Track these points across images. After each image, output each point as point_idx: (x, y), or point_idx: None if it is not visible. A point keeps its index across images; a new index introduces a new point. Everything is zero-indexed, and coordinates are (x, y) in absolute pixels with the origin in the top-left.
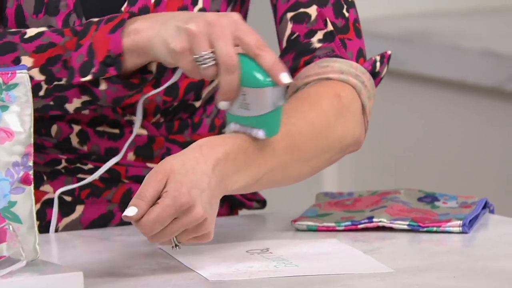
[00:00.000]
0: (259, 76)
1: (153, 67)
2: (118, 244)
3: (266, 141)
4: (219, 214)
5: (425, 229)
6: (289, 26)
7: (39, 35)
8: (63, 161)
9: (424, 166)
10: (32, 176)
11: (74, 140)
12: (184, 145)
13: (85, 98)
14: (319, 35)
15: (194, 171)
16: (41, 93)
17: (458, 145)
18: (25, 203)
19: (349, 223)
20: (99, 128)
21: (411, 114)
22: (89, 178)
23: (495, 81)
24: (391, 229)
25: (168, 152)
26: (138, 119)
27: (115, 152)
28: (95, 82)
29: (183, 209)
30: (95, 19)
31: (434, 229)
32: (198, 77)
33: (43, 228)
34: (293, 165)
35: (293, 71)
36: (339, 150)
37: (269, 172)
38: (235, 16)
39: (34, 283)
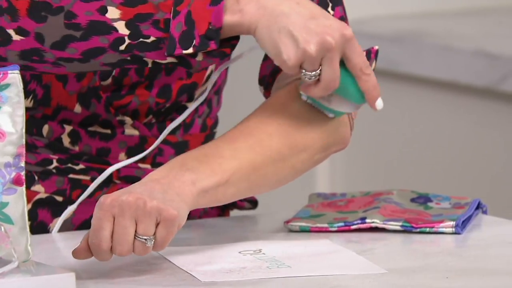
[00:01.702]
0: (355, 93)
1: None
2: None
3: (229, 175)
4: (211, 214)
5: (418, 229)
6: None
7: None
8: (54, 161)
9: (417, 166)
10: (24, 177)
11: (66, 140)
12: (176, 145)
13: (171, 60)
14: None
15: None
16: (122, 47)
17: (451, 145)
18: (17, 204)
19: (342, 224)
20: (91, 128)
21: (403, 114)
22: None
23: (487, 82)
24: (384, 230)
25: (160, 153)
26: (209, 87)
27: (106, 153)
28: (193, 54)
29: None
30: None
31: (427, 229)
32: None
33: (35, 228)
34: (267, 166)
35: (275, 73)
36: (321, 149)
37: (236, 172)
38: (349, 33)
39: (26, 285)
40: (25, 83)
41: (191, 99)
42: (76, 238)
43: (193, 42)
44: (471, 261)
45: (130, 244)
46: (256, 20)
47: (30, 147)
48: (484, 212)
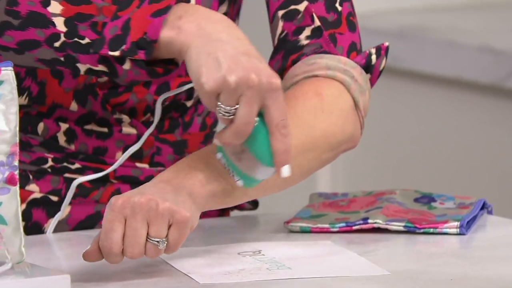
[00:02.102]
0: (265, 152)
1: (179, 61)
2: None
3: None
4: (210, 215)
5: (421, 230)
6: (280, 24)
7: None
8: (49, 160)
9: (420, 165)
10: (17, 176)
11: (61, 139)
12: (174, 144)
13: (101, 68)
14: (307, 31)
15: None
16: (57, 44)
17: (455, 144)
18: (11, 204)
19: (343, 224)
20: (87, 127)
21: (406, 112)
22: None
23: (493, 78)
24: (386, 231)
25: (158, 152)
26: (156, 117)
27: (103, 152)
28: (120, 59)
29: (138, 208)
30: None
31: (431, 230)
32: (210, 109)
33: (29, 229)
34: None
35: (281, 71)
36: (329, 148)
37: (239, 201)
38: (277, 82)
39: (20, 286)
40: (20, 80)
41: (190, 97)
42: (71, 239)
43: (122, 46)
44: (476, 262)
45: (141, 246)
46: (190, 41)
47: (24, 146)
48: (490, 212)
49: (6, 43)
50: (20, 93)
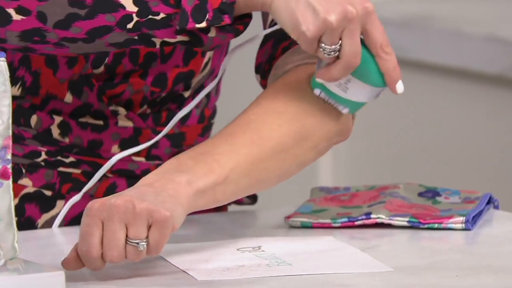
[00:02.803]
0: (374, 75)
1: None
2: None
3: (229, 171)
4: (207, 210)
5: (426, 225)
6: None
7: None
8: (43, 153)
9: (424, 159)
10: (10, 170)
11: (55, 132)
12: (172, 137)
13: (182, 38)
14: None
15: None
16: (130, 25)
17: (460, 136)
18: (3, 199)
19: (345, 219)
20: (82, 119)
21: (410, 104)
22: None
23: (500, 69)
24: (390, 226)
25: (155, 145)
26: (222, 69)
27: (98, 145)
28: (205, 28)
29: (116, 211)
30: None
31: (436, 225)
32: (311, 53)
33: (22, 224)
34: (268, 158)
35: (271, 59)
36: (324, 138)
37: (235, 168)
38: (370, 6)
39: (13, 283)
40: (13, 69)
41: (187, 88)
42: (66, 235)
43: (206, 16)
44: (482, 258)
45: (121, 249)
46: None
47: (17, 139)
48: (496, 207)
49: (74, 35)
50: (13, 83)
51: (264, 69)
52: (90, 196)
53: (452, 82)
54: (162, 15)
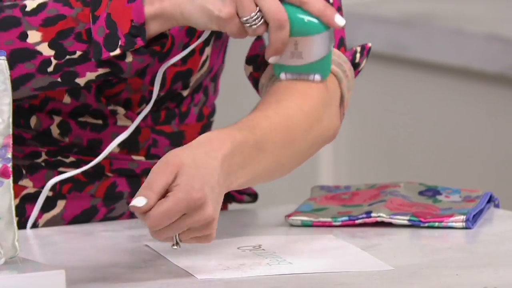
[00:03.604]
0: (311, 23)
1: (167, 31)
2: (102, 240)
3: (266, 136)
4: None
5: (426, 224)
6: None
7: (42, 6)
8: (43, 153)
9: (425, 157)
10: (11, 169)
11: (55, 132)
12: (171, 135)
13: (103, 71)
14: None
15: (205, 167)
16: (50, 69)
17: (461, 135)
18: (4, 198)
19: (346, 218)
20: (81, 119)
21: (411, 102)
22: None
23: (501, 67)
24: (390, 225)
25: (154, 144)
26: (156, 89)
27: (98, 144)
28: (121, 55)
29: (195, 205)
30: None
31: (436, 224)
32: (243, 37)
33: (23, 224)
34: (287, 159)
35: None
36: (322, 142)
37: (267, 167)
38: None
39: (13, 282)
40: None
41: (186, 87)
42: (66, 234)
43: (118, 43)
44: (482, 257)
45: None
46: (177, 1)
47: (17, 140)
48: (496, 206)
49: None
50: None
51: (259, 61)
52: (90, 196)
53: (453, 80)
54: (78, 53)
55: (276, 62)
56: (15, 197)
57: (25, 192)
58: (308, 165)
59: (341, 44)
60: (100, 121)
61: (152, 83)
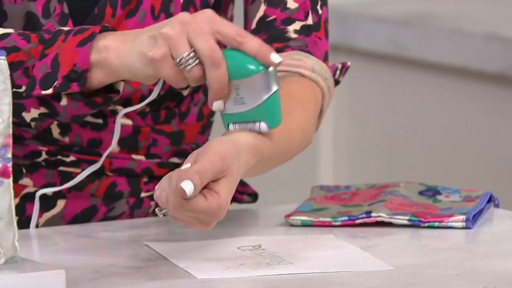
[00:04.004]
0: (248, 64)
1: (120, 86)
2: (102, 240)
3: (271, 148)
4: None
5: (426, 224)
6: (262, 7)
7: (4, 36)
8: (43, 153)
9: (425, 157)
10: (11, 169)
11: (55, 131)
12: (171, 135)
13: (43, 110)
14: (297, 25)
15: (239, 177)
16: None
17: (461, 135)
18: (4, 197)
19: (346, 218)
20: None
21: (411, 102)
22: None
23: (500, 67)
24: (390, 225)
25: (154, 143)
26: (116, 135)
27: (98, 144)
28: (56, 96)
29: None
30: (65, 28)
31: (436, 224)
32: (183, 85)
33: (23, 223)
34: (274, 166)
35: None
36: (301, 151)
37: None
38: (209, 12)
39: (13, 282)
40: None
41: (186, 87)
42: (66, 233)
43: (54, 83)
44: (482, 257)
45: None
46: (120, 54)
47: (17, 139)
48: (496, 206)
49: None
50: None
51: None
52: (90, 195)
53: (452, 80)
54: (24, 88)
55: (220, 109)
56: (15, 196)
57: (25, 191)
58: (308, 165)
59: (326, 58)
60: (100, 120)
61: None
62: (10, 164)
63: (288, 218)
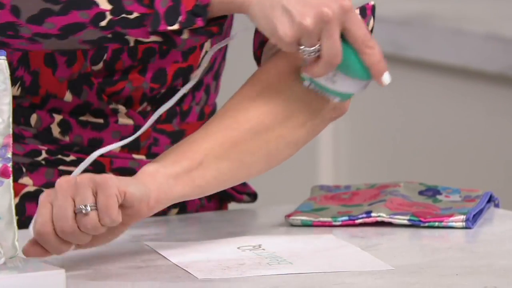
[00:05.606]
0: (359, 69)
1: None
2: None
3: (196, 132)
4: (208, 208)
5: (426, 224)
6: None
7: None
8: (43, 152)
9: (425, 157)
10: (10, 169)
11: (55, 130)
12: (172, 134)
13: (155, 38)
14: None
15: None
16: (103, 23)
17: (461, 135)
18: (4, 197)
19: (346, 218)
20: (82, 118)
21: (410, 102)
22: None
23: (500, 67)
24: (390, 225)
25: (155, 143)
26: (201, 68)
27: (99, 143)
28: (178, 30)
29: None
30: None
31: (436, 224)
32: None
33: (23, 223)
34: (249, 140)
35: (261, 46)
36: (310, 116)
37: (209, 153)
38: (347, 4)
39: (13, 282)
40: (12, 70)
41: (186, 83)
42: None
43: (179, 18)
44: (482, 257)
45: (69, 218)
46: None
47: (17, 138)
48: (496, 206)
49: (47, 30)
50: (13, 83)
51: (257, 55)
52: None
53: (452, 80)
54: (135, 14)
55: (308, 77)
56: (15, 195)
57: (25, 190)
58: (308, 165)
59: None
60: (101, 120)
61: (153, 81)
62: (10, 164)
63: (288, 218)
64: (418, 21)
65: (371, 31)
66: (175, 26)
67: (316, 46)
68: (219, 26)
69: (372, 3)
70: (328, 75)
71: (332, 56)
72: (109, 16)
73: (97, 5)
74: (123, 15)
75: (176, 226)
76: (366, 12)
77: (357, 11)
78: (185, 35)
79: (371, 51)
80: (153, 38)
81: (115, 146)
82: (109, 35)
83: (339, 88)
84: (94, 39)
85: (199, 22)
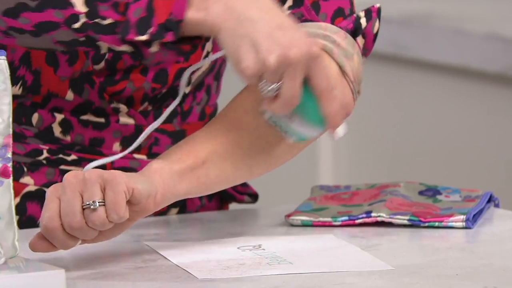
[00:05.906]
0: (315, 116)
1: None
2: None
3: (199, 132)
4: (208, 208)
5: (426, 224)
6: None
7: None
8: (44, 151)
9: (425, 157)
10: (11, 169)
11: (57, 130)
12: (173, 134)
13: (125, 48)
14: (289, 1)
15: None
16: (76, 25)
17: (461, 135)
18: (4, 197)
19: (346, 218)
20: (84, 117)
21: (411, 102)
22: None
23: (501, 67)
24: (390, 225)
25: (156, 143)
26: (181, 90)
27: (100, 143)
28: (147, 42)
29: None
30: None
31: (436, 224)
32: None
33: (24, 223)
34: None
35: None
36: None
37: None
38: (316, 50)
39: (13, 282)
40: (14, 68)
41: (188, 84)
42: None
43: (149, 30)
44: (482, 257)
45: (77, 214)
46: (220, 22)
47: (18, 137)
48: (496, 206)
49: (21, 25)
50: (14, 82)
51: None
52: None
53: (452, 80)
54: (109, 20)
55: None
56: (16, 195)
57: (26, 190)
58: (308, 165)
59: (337, 15)
60: (102, 119)
61: (154, 81)
62: (10, 164)
63: (288, 218)
64: (418, 21)
65: (376, 34)
66: (144, 37)
67: (277, 84)
68: (192, 45)
69: (378, 5)
70: (286, 114)
71: (290, 97)
72: (83, 19)
73: (73, 6)
74: (97, 20)
75: (176, 226)
76: (372, 14)
77: (362, 13)
78: (154, 48)
79: (331, 101)
80: (124, 47)
81: (121, 155)
82: (82, 38)
83: (295, 127)
84: (66, 40)
85: (169, 37)
